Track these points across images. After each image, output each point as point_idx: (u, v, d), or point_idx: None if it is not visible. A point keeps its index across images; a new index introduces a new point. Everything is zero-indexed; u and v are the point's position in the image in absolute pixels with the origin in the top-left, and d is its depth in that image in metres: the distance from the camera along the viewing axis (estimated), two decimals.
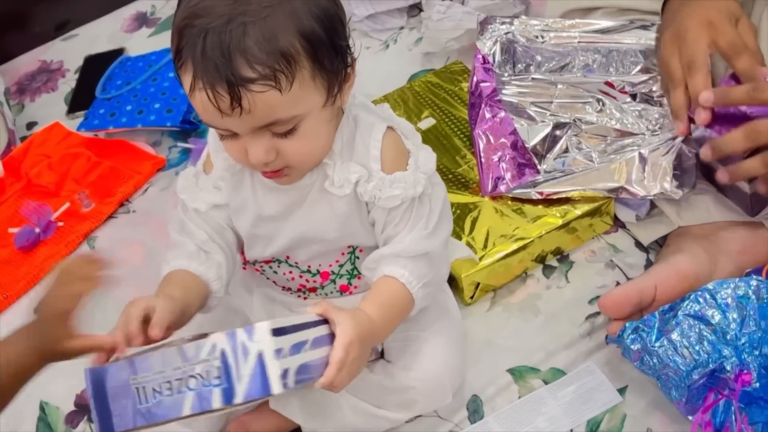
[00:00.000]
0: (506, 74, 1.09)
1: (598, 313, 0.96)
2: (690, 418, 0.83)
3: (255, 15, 0.69)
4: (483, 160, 1.06)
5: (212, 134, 0.85)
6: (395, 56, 1.37)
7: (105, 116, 1.34)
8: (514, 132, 1.05)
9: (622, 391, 0.90)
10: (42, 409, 1.03)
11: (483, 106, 1.07)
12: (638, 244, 1.03)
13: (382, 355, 0.89)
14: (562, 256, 1.04)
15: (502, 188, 1.04)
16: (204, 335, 0.69)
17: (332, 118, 0.78)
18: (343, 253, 0.87)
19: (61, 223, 1.24)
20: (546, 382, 0.92)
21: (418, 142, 0.83)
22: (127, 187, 1.27)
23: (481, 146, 1.07)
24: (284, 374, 0.66)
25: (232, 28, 0.68)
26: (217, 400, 0.67)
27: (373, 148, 0.80)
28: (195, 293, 0.83)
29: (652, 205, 1.01)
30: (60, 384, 1.04)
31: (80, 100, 1.43)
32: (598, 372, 0.91)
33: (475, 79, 1.08)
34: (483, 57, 1.09)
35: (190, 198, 0.87)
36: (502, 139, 1.06)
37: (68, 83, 1.51)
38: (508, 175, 1.04)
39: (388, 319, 0.79)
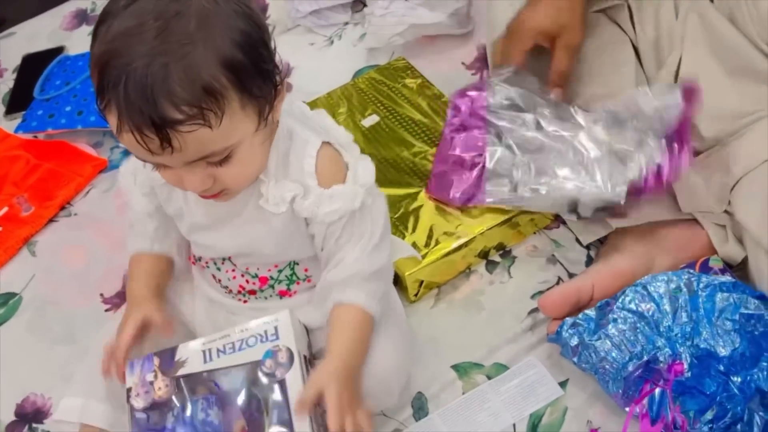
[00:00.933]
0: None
1: (538, 308, 0.99)
2: (627, 409, 0.87)
3: (175, 53, 0.68)
4: (440, 164, 1.06)
5: None
6: (340, 52, 1.38)
7: (43, 117, 1.32)
8: (483, 152, 1.04)
9: (563, 384, 0.93)
10: None
11: (467, 114, 1.06)
12: (579, 240, 1.06)
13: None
14: (504, 251, 1.06)
15: (448, 198, 1.04)
16: None
17: (266, 138, 0.79)
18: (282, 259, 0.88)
19: None
20: (489, 377, 0.94)
21: (356, 154, 0.84)
22: (68, 190, 1.26)
23: (445, 151, 1.06)
24: None
25: (153, 70, 0.67)
26: None
27: (307, 165, 0.80)
28: (163, 272, 0.92)
29: None
30: (1, 394, 1.04)
31: (18, 100, 1.41)
32: (540, 366, 0.94)
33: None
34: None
35: (130, 197, 0.91)
36: (470, 153, 1.05)
37: (6, 83, 1.49)
38: (458, 193, 1.04)
39: (360, 347, 0.83)
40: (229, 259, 0.89)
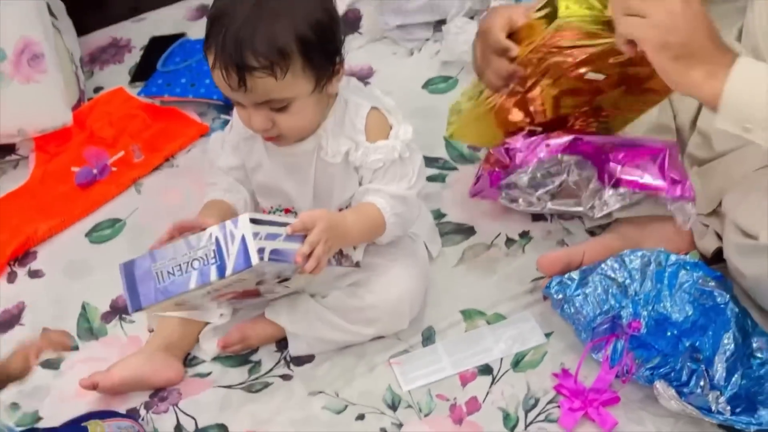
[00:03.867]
0: None
1: (542, 278, 1.30)
2: (593, 355, 1.17)
3: (263, 20, 1.06)
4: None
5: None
6: (416, 63, 1.73)
7: (162, 85, 1.74)
8: None
9: (548, 335, 1.24)
10: (84, 308, 1.41)
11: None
12: (589, 232, 1.37)
13: (357, 265, 1.22)
14: (523, 232, 1.38)
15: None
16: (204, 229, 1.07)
17: (320, 101, 1.15)
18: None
19: (114, 168, 1.62)
20: (489, 323, 1.26)
21: (399, 118, 1.20)
22: (173, 146, 1.65)
23: None
24: (261, 251, 1.00)
25: (245, 29, 1.05)
26: (213, 275, 1.03)
27: (358, 124, 1.17)
28: (225, 214, 1.23)
29: None
30: (100, 289, 1.42)
31: (143, 71, 1.82)
32: (532, 319, 1.26)
33: None
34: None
35: (216, 158, 1.29)
36: None
37: (133, 58, 1.89)
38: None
39: (360, 224, 1.16)
40: (292, 209, 1.26)
